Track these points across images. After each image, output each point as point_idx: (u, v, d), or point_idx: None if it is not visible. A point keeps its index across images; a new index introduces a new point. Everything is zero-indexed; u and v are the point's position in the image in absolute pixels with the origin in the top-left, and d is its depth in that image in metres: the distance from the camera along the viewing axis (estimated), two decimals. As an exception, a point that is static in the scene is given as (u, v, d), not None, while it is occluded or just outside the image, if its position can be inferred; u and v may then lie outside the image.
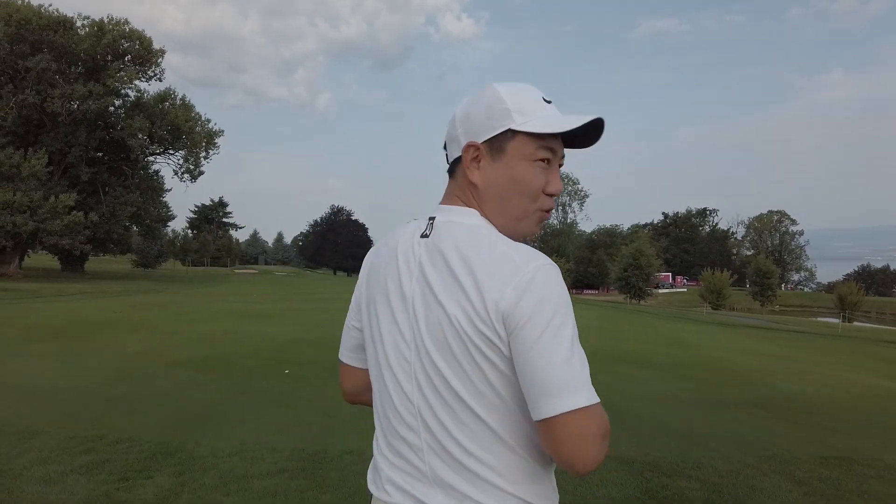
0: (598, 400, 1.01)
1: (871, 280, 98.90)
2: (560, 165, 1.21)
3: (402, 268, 1.18)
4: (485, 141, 1.15)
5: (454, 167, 1.22)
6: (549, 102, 1.18)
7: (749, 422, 6.95)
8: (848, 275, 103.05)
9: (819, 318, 56.57)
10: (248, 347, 10.51)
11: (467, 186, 1.18)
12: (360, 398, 1.42)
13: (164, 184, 51.45)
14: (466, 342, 1.05)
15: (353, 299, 1.37)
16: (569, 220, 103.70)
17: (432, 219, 1.20)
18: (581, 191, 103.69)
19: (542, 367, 0.99)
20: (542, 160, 1.16)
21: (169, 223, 59.74)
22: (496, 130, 1.14)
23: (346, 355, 1.40)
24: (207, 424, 5.62)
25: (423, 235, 1.17)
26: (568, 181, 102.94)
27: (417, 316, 1.13)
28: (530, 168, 1.15)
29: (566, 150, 1.22)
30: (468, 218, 1.16)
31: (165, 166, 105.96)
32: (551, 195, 1.18)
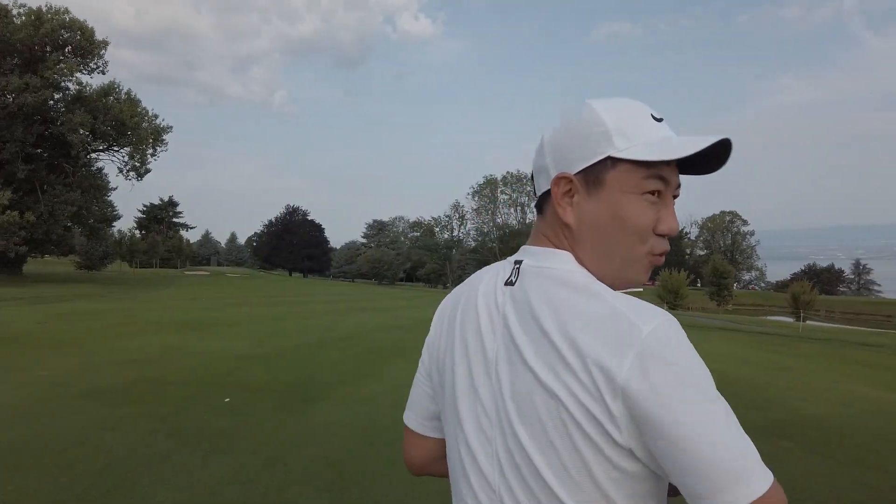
0: (772, 475, 0.82)
1: (817, 279, 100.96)
2: (675, 197, 1.00)
3: (482, 320, 1.02)
4: (579, 172, 0.97)
5: (543, 202, 1.04)
6: (659, 120, 0.98)
7: (776, 456, 5.83)
8: (795, 274, 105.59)
9: (773, 318, 57.16)
10: (187, 368, 9.10)
11: (559, 226, 1.00)
12: (429, 469, 1.24)
13: (108, 182, 49.28)
14: (566, 420, 0.86)
15: (424, 352, 1.19)
16: (528, 221, 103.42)
17: (518, 262, 1.03)
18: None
19: (701, 453, 0.79)
20: (652, 192, 0.96)
21: (114, 223, 57.93)
22: (593, 159, 0.96)
23: (418, 422, 1.21)
24: (112, 491, 4.28)
25: (508, 283, 1.01)
26: (527, 181, 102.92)
27: (502, 382, 0.95)
28: (636, 203, 0.96)
29: (683, 177, 1.01)
30: (560, 263, 0.98)
31: (109, 164, 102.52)
32: (664, 235, 0.98)
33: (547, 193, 1.01)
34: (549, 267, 0.97)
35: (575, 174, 0.96)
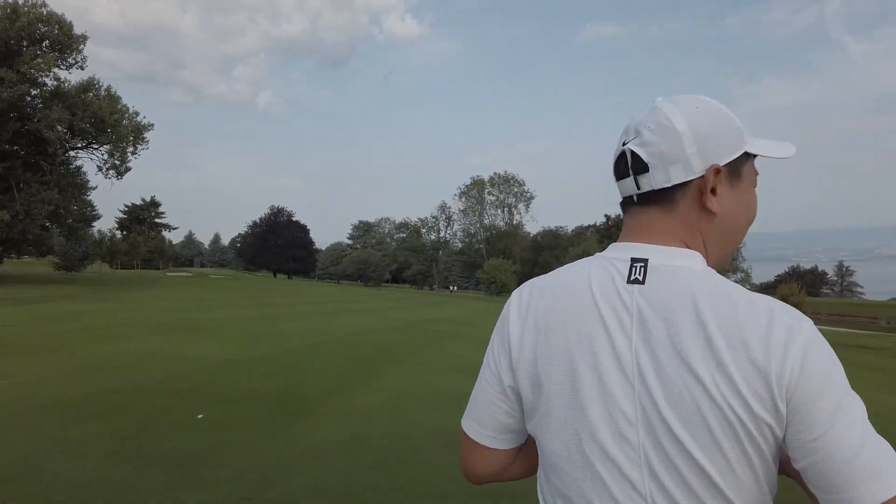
0: None
1: (801, 280, 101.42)
2: None
3: (609, 322, 0.96)
4: (725, 164, 1.02)
5: (665, 195, 1.01)
6: None
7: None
8: (779, 275, 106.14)
9: None
10: (161, 376, 8.23)
11: (695, 219, 1.01)
12: (497, 478, 1.18)
13: (87, 181, 48.05)
14: (734, 423, 0.88)
15: (493, 360, 1.09)
16: (514, 222, 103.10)
17: (640, 260, 0.99)
18: (527, 192, 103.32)
19: (851, 448, 0.85)
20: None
21: (94, 223, 56.79)
22: (736, 152, 1.02)
23: (492, 437, 1.11)
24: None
25: (634, 281, 0.97)
26: (514, 182, 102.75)
27: (649, 385, 0.93)
28: (754, 196, 1.08)
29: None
30: (695, 262, 0.99)
31: (88, 162, 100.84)
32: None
33: (679, 186, 0.99)
34: (686, 266, 0.97)
35: (722, 166, 1.00)
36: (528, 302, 1.06)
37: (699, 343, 0.89)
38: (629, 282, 0.96)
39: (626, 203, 1.06)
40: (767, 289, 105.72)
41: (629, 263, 0.98)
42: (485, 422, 1.10)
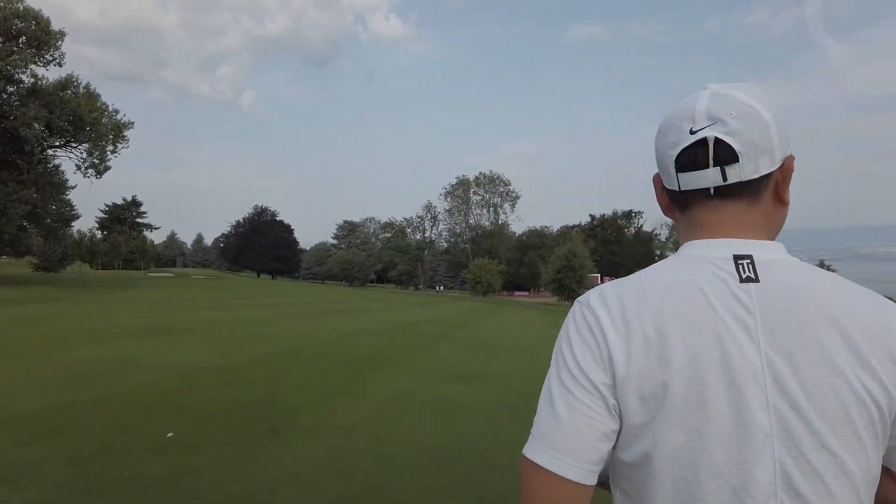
0: None
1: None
2: None
3: (730, 324, 0.91)
4: None
5: (745, 188, 0.98)
6: None
7: None
8: None
9: None
10: (132, 386, 7.66)
11: (772, 210, 1.02)
12: None
13: (66, 180, 47.23)
14: (875, 418, 0.88)
15: (587, 379, 0.95)
16: (500, 222, 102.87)
17: (744, 257, 0.95)
18: (512, 192, 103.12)
19: None
20: None
21: (73, 223, 55.94)
22: (792, 144, 1.03)
23: (587, 471, 0.93)
24: None
25: (748, 279, 0.93)
26: (499, 182, 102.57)
27: (786, 389, 0.88)
28: None
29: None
30: (785, 254, 0.98)
31: (67, 160, 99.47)
32: None
33: (764, 177, 0.97)
34: (786, 260, 0.96)
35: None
36: (625, 310, 0.94)
37: (834, 338, 0.87)
38: (742, 280, 0.92)
39: (694, 196, 1.00)
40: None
41: (732, 261, 0.94)
42: (581, 452, 0.92)
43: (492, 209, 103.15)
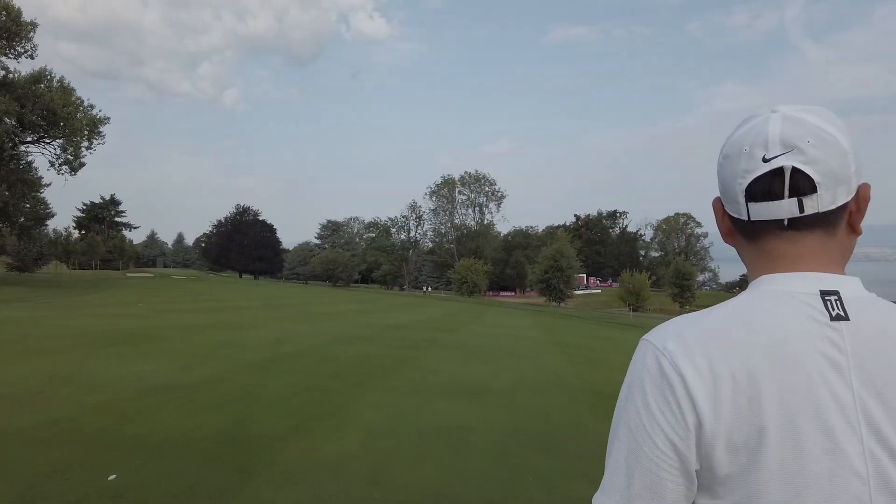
0: None
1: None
2: None
3: (823, 366, 0.86)
4: None
5: (822, 219, 0.93)
6: None
7: None
8: (744, 275, 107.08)
9: None
10: (70, 411, 6.41)
11: (846, 242, 0.98)
12: None
13: (40, 177, 45.70)
14: None
15: (665, 440, 0.88)
16: (486, 221, 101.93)
17: (831, 293, 0.90)
18: (498, 191, 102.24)
19: None
20: None
21: (47, 222, 54.44)
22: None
23: None
24: None
25: (837, 317, 0.88)
26: (485, 182, 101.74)
27: (883, 435, 0.84)
28: None
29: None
30: (863, 289, 0.94)
31: (40, 157, 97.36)
32: None
33: (841, 207, 0.93)
34: (867, 296, 0.92)
35: None
36: (709, 354, 0.87)
37: None
38: (833, 319, 0.88)
39: (766, 226, 0.95)
40: (732, 288, 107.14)
41: (819, 297, 0.89)
42: None
43: (477, 209, 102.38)
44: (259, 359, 10.56)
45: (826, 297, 0.88)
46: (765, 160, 0.90)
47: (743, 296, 0.94)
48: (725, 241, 1.05)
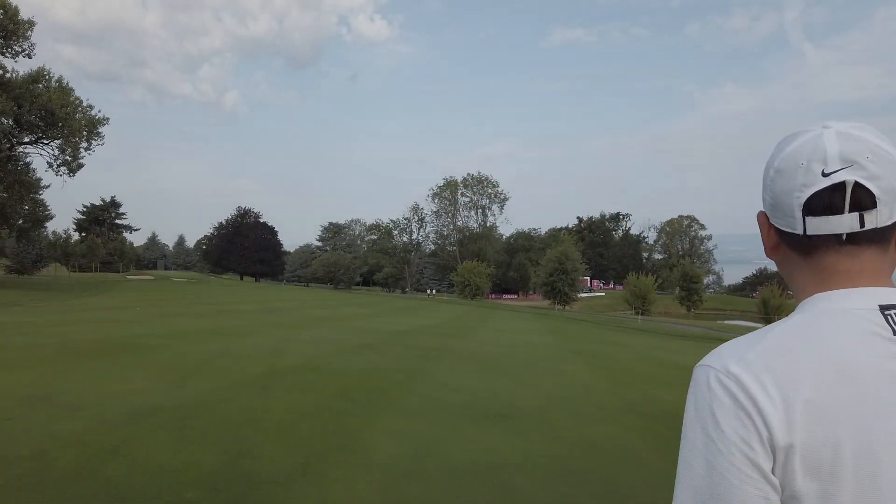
0: None
1: (769, 281, 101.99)
2: None
3: (891, 384, 0.86)
4: None
5: (879, 234, 0.94)
6: None
7: None
8: (747, 278, 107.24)
9: (740, 323, 56.30)
10: (36, 444, 5.38)
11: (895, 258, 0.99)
12: None
13: (39, 178, 44.92)
14: None
15: (744, 460, 0.85)
16: (488, 224, 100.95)
17: (889, 308, 0.90)
18: (501, 193, 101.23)
19: None
20: None
21: (46, 223, 53.75)
22: None
23: None
24: None
25: None
26: (487, 184, 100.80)
27: None
28: None
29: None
30: None
31: (38, 158, 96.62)
32: None
33: (894, 223, 0.94)
34: None
35: None
36: (776, 375, 0.86)
37: None
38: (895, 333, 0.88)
39: (823, 241, 0.94)
40: (736, 290, 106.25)
41: (879, 312, 0.89)
42: None
43: (480, 211, 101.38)
44: (258, 373, 9.56)
45: (886, 312, 0.88)
46: (824, 175, 0.91)
47: (798, 315, 0.93)
48: (769, 256, 1.04)
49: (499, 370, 11.51)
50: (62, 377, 8.47)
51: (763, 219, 1.02)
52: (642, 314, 57.36)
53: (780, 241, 1.00)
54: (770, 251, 1.04)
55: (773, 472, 0.83)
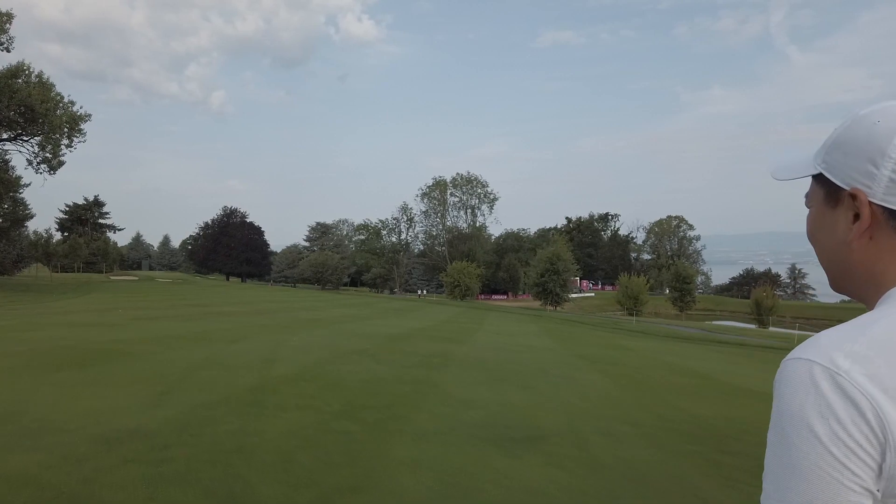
0: None
1: (755, 282, 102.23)
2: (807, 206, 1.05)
3: None
4: None
5: None
6: None
7: None
8: (734, 278, 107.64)
9: (731, 323, 56.16)
10: None
11: None
12: None
13: (19, 177, 43.68)
14: None
15: (856, 461, 0.79)
16: (478, 224, 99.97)
17: None
18: (490, 193, 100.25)
19: None
20: None
21: (27, 223, 52.42)
22: None
23: None
24: None
25: None
26: (477, 183, 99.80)
27: None
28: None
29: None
30: None
31: (18, 155, 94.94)
32: None
33: None
34: None
35: None
36: (891, 368, 0.81)
37: None
38: None
39: None
40: (723, 291, 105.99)
41: None
42: None
43: (469, 211, 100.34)
44: (249, 384, 8.59)
45: None
46: None
47: (887, 306, 0.86)
48: (854, 243, 0.91)
49: (509, 379, 10.60)
50: (24, 393, 7.46)
51: (862, 197, 0.89)
52: (636, 315, 56.75)
53: (883, 222, 0.89)
54: (857, 236, 0.91)
55: (882, 474, 0.76)
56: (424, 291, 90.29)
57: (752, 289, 72.93)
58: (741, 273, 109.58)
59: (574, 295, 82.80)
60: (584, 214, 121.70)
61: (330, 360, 11.58)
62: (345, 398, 8.03)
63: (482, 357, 13.77)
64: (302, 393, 8.24)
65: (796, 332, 32.88)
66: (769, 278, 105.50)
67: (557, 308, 63.94)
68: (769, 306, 62.33)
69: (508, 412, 7.80)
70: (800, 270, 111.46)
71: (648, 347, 20.39)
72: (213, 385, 8.44)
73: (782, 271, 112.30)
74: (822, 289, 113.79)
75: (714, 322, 59.74)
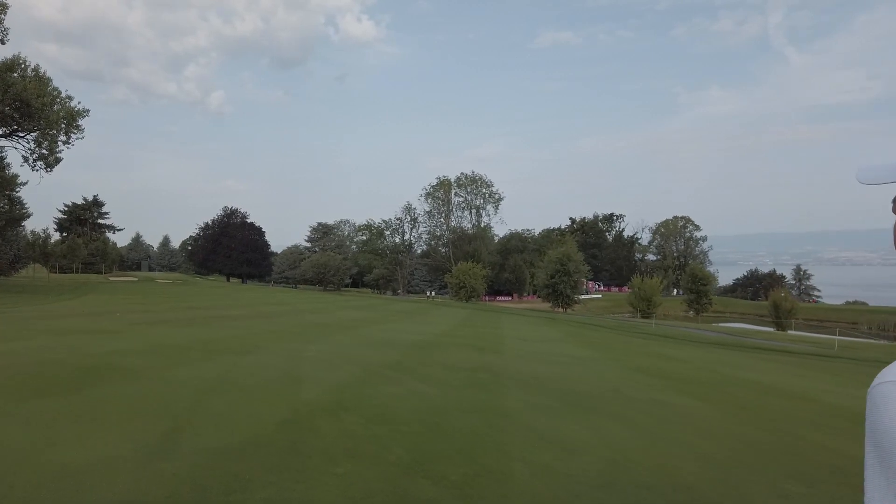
0: None
1: (760, 284, 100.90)
2: None
3: None
4: None
5: None
6: None
7: None
8: (737, 279, 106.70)
9: (740, 325, 54.77)
10: None
11: None
12: None
13: (16, 175, 42.05)
14: None
15: None
16: (483, 224, 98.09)
17: None
18: (495, 193, 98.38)
19: None
20: None
21: (24, 222, 50.84)
22: None
23: None
24: None
25: None
26: (482, 183, 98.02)
27: None
28: None
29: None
30: None
31: (13, 152, 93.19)
32: None
33: None
34: None
35: None
36: None
37: None
38: None
39: None
40: (727, 292, 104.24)
41: None
42: None
43: (474, 211, 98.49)
44: (277, 419, 6.70)
45: None
46: None
47: None
48: None
49: (588, 405, 8.67)
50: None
51: None
52: (653, 318, 55.00)
53: None
54: None
55: None
56: (433, 293, 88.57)
57: (760, 290, 71.38)
58: (745, 274, 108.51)
59: (583, 297, 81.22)
60: (587, 214, 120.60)
61: (364, 380, 9.75)
62: (406, 439, 6.14)
63: (534, 372, 11.90)
64: (348, 432, 6.34)
65: (836, 337, 31.00)
66: (774, 279, 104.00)
67: (567, 310, 62.26)
68: (788, 308, 60.50)
69: (626, 461, 5.86)
70: (805, 271, 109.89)
71: (696, 357, 18.55)
72: (233, 419, 6.59)
73: (784, 272, 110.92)
74: (827, 290, 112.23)
75: (727, 324, 58.21)
